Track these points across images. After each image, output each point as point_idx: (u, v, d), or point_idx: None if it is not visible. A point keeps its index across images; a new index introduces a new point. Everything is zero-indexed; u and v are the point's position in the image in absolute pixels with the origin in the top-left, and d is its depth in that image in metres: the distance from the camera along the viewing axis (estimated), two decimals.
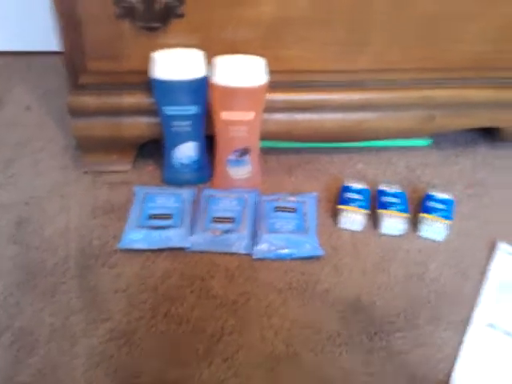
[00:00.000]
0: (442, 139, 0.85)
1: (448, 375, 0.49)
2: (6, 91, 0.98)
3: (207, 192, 0.70)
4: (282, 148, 0.82)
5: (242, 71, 0.63)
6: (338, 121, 0.75)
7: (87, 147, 0.75)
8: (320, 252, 0.61)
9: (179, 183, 0.73)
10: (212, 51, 0.64)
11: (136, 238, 0.61)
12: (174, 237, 0.62)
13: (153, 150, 0.78)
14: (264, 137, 0.71)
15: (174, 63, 0.63)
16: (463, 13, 0.66)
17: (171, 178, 0.73)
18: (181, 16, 0.63)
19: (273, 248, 0.61)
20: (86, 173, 0.75)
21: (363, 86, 0.73)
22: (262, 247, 0.61)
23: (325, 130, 0.75)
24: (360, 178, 0.75)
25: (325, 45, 0.68)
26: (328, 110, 0.73)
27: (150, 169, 0.77)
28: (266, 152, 0.78)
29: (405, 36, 0.68)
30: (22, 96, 0.96)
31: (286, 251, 0.61)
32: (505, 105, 0.76)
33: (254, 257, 0.61)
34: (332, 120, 0.74)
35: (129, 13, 0.62)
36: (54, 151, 0.80)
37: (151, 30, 0.64)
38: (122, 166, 0.76)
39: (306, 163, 0.79)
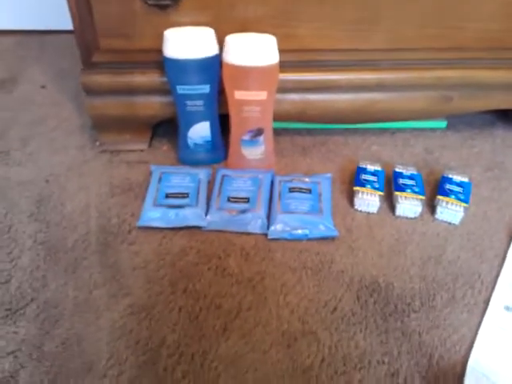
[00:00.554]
0: (459, 121, 0.84)
1: (465, 357, 0.49)
2: (21, 70, 0.98)
3: (222, 172, 0.70)
4: (295, 129, 0.81)
5: (253, 50, 0.62)
6: (351, 101, 0.74)
7: (102, 126, 0.75)
8: (334, 233, 0.61)
9: (194, 163, 0.73)
10: (223, 29, 0.64)
11: (154, 216, 0.62)
12: (191, 216, 0.62)
13: (168, 129, 0.78)
14: (277, 118, 0.71)
15: (186, 41, 0.63)
16: None
17: (186, 158, 0.74)
18: None
19: (287, 228, 0.61)
20: (102, 151, 0.75)
21: (376, 65, 0.72)
22: (277, 227, 0.62)
23: (338, 111, 0.75)
24: (375, 159, 0.74)
25: (336, 23, 0.67)
26: (340, 90, 0.73)
27: (165, 148, 0.77)
28: (279, 133, 0.78)
29: (417, 14, 0.67)
30: (37, 75, 0.97)
31: (300, 232, 0.61)
32: None
33: (269, 237, 0.61)
34: (345, 100, 0.74)
35: None
36: (69, 130, 0.81)
37: (162, 8, 0.64)
38: (137, 145, 0.77)
39: (320, 144, 0.79)
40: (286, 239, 0.61)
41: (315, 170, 0.73)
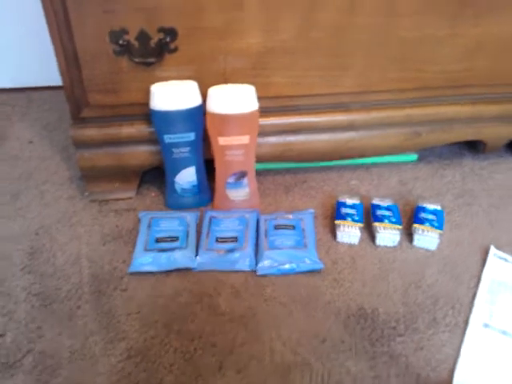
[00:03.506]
0: (429, 153, 0.89)
1: (450, 375, 0.51)
2: (8, 127, 1.01)
3: (210, 213, 0.73)
4: (276, 169, 0.86)
5: (234, 99, 0.68)
6: (327, 141, 0.79)
7: (92, 177, 0.78)
8: (320, 265, 0.64)
9: (182, 207, 0.76)
10: (205, 81, 0.69)
11: (145, 261, 0.64)
12: (181, 258, 0.65)
13: (155, 176, 0.82)
14: (259, 159, 0.76)
15: (171, 94, 0.68)
16: (433, 36, 0.72)
17: (174, 203, 0.77)
18: (174, 51, 0.68)
19: (275, 264, 0.64)
20: (92, 201, 0.78)
21: (347, 107, 0.78)
22: (265, 263, 0.64)
23: (315, 150, 0.80)
24: (353, 194, 0.78)
25: (308, 71, 0.73)
26: (316, 131, 0.78)
27: (153, 195, 0.80)
28: (261, 174, 0.82)
29: (383, 59, 0.73)
30: (24, 131, 1.00)
31: (287, 266, 0.64)
32: (483, 119, 0.81)
33: (257, 273, 0.63)
34: (321, 140, 0.79)
35: (126, 50, 0.67)
36: (58, 182, 0.83)
37: (147, 64, 0.68)
38: (126, 193, 0.80)
39: (301, 182, 0.83)
40: (274, 274, 0.63)
41: (298, 207, 0.77)
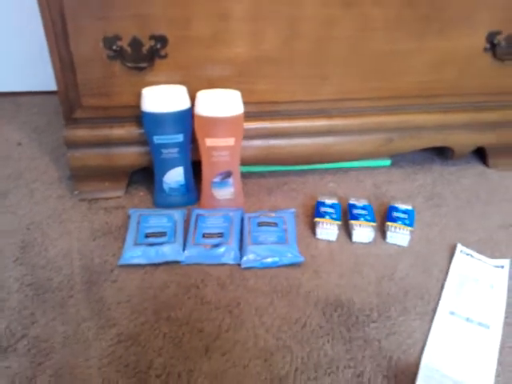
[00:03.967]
0: (402, 159, 0.95)
1: (419, 356, 0.56)
2: None
3: (196, 211, 0.77)
4: (260, 172, 0.90)
5: (221, 103, 0.72)
6: (307, 145, 0.84)
7: (82, 176, 0.81)
8: (301, 259, 0.69)
9: (169, 206, 0.79)
10: (194, 86, 0.74)
11: (134, 254, 0.67)
12: (169, 252, 0.68)
13: (143, 176, 0.85)
14: (244, 162, 0.80)
15: (162, 97, 0.72)
16: (403, 50, 0.78)
17: (162, 202, 0.80)
18: (164, 57, 0.72)
19: (258, 258, 0.68)
20: (81, 200, 0.81)
21: (327, 113, 0.83)
22: (249, 257, 0.68)
23: (297, 154, 0.85)
24: (332, 195, 0.83)
25: (290, 79, 0.78)
26: (298, 135, 0.83)
27: (141, 194, 0.84)
28: (246, 176, 0.87)
29: (359, 70, 0.79)
30: (13, 133, 1.02)
31: (270, 260, 0.68)
32: (452, 127, 0.88)
33: (242, 266, 0.67)
34: (302, 145, 0.84)
35: (119, 55, 0.71)
36: (48, 182, 0.86)
37: (139, 69, 0.72)
38: (115, 192, 0.83)
39: (283, 184, 0.88)
40: (257, 267, 0.67)
41: (280, 207, 0.81)
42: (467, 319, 0.61)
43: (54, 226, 0.74)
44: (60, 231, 0.73)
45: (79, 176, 0.81)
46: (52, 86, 1.11)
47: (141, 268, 0.66)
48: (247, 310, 0.61)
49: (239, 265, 0.68)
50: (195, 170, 0.79)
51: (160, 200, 0.80)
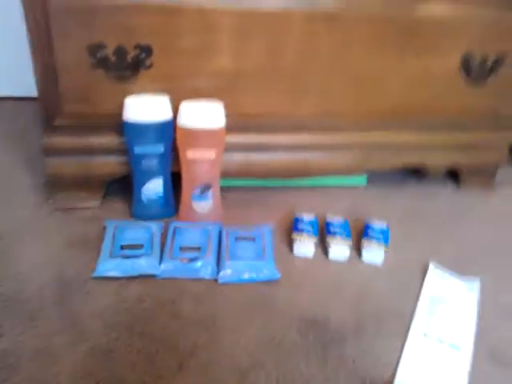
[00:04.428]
0: (377, 178, 0.97)
1: (393, 377, 0.56)
2: None
3: (174, 224, 0.76)
4: (239, 186, 0.90)
5: (204, 116, 0.72)
6: (287, 160, 0.85)
7: (58, 185, 0.79)
8: (277, 275, 0.69)
9: (147, 217, 0.78)
10: (177, 97, 0.73)
11: (109, 266, 0.66)
12: (145, 265, 0.67)
13: (119, 187, 0.84)
14: (223, 175, 0.80)
15: (144, 107, 0.71)
16: (383, 67, 0.79)
17: (139, 213, 0.79)
18: (149, 67, 0.72)
19: (235, 273, 0.68)
20: (56, 209, 0.79)
21: (307, 128, 0.83)
22: (226, 272, 0.68)
23: (277, 168, 0.85)
24: (309, 210, 0.84)
25: (273, 92, 0.79)
26: (278, 149, 0.84)
27: (117, 205, 0.82)
28: (225, 190, 0.86)
29: (339, 86, 0.80)
30: None
31: (246, 276, 0.68)
32: (427, 146, 0.90)
33: (219, 281, 0.67)
34: (282, 159, 0.85)
35: (103, 63, 0.70)
36: (22, 189, 0.84)
37: (123, 78, 0.72)
38: (91, 202, 0.81)
39: (262, 199, 0.88)
40: (234, 283, 0.67)
41: (258, 222, 0.81)
42: (439, 340, 0.62)
43: (27, 235, 0.72)
44: (33, 241, 0.71)
45: (55, 184, 0.79)
46: (27, 92, 1.09)
47: (115, 280, 0.65)
48: (223, 327, 0.60)
49: (216, 280, 0.67)
50: (173, 181, 0.79)
51: (138, 211, 0.79)
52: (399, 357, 0.59)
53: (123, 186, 0.82)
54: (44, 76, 0.70)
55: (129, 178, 0.78)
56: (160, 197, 0.79)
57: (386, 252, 0.75)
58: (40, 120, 0.74)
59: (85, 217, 0.78)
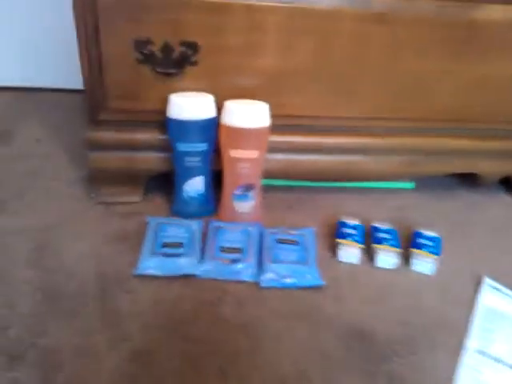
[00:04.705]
0: (426, 183, 0.92)
1: None
2: (16, 124, 1.02)
3: (214, 223, 0.75)
4: (281, 186, 0.88)
5: (248, 114, 0.70)
6: (332, 162, 0.82)
7: (100, 179, 0.79)
8: (321, 282, 0.66)
9: (187, 215, 0.77)
10: (221, 95, 0.72)
11: (151, 264, 0.65)
12: (186, 264, 0.66)
13: (159, 183, 0.83)
14: (265, 175, 0.78)
15: (189, 105, 0.70)
16: (437, 70, 0.75)
17: (179, 210, 0.78)
18: (195, 64, 0.70)
19: (277, 277, 0.66)
20: (98, 203, 0.79)
21: (354, 131, 0.80)
22: (268, 276, 0.66)
23: (319, 171, 0.82)
24: (353, 214, 0.81)
25: (320, 94, 0.76)
26: (322, 152, 0.81)
27: (157, 201, 0.82)
28: (266, 190, 0.84)
29: (389, 88, 0.76)
30: (32, 129, 1.01)
31: (289, 280, 0.66)
32: (481, 153, 0.85)
33: (260, 285, 0.65)
34: (326, 161, 0.81)
35: (149, 59, 0.69)
36: (65, 182, 0.84)
37: (168, 75, 0.71)
38: (132, 197, 0.81)
39: (304, 201, 0.85)
40: (276, 287, 0.65)
41: (299, 224, 0.78)
42: (496, 359, 0.58)
43: (69, 229, 0.73)
44: (75, 235, 0.71)
45: (97, 178, 0.79)
46: (72, 84, 1.11)
47: (156, 279, 0.64)
48: (265, 333, 0.58)
49: (257, 283, 0.65)
50: (214, 180, 0.77)
51: (178, 208, 0.78)
52: (452, 375, 0.55)
53: (163, 183, 0.81)
54: (90, 71, 0.70)
55: (170, 174, 0.77)
56: (201, 195, 0.77)
57: (436, 262, 0.71)
58: (84, 114, 0.73)
59: (126, 212, 0.78)
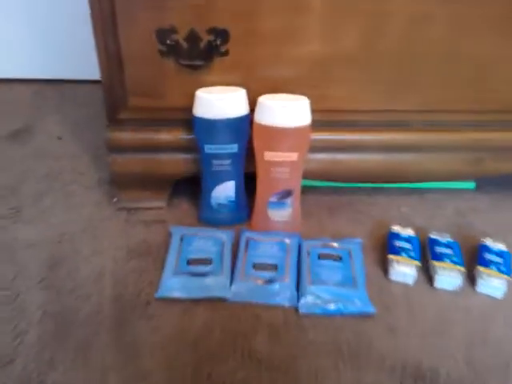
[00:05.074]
0: (487, 183, 0.80)
1: None
2: (38, 120, 0.97)
3: (246, 234, 0.66)
4: (320, 187, 0.78)
5: (286, 111, 0.60)
6: (381, 161, 0.71)
7: (122, 183, 0.72)
8: (371, 309, 0.56)
9: (216, 223, 0.69)
10: (255, 89, 0.63)
11: (174, 285, 0.58)
12: (214, 286, 0.58)
13: (187, 187, 0.75)
14: (304, 176, 0.68)
15: (217, 101, 0.61)
16: (507, 56, 0.64)
17: (208, 218, 0.70)
18: (224, 54, 0.62)
19: (319, 302, 0.57)
20: (120, 209, 0.72)
21: (408, 126, 0.70)
22: (308, 300, 0.57)
23: (366, 171, 0.72)
24: (406, 222, 0.71)
25: (371, 84, 0.66)
26: (371, 150, 0.71)
27: (184, 206, 0.74)
28: (304, 192, 0.74)
29: (454, 77, 0.66)
30: (54, 126, 0.95)
31: (332, 306, 0.56)
32: None
33: (299, 311, 0.56)
34: (374, 160, 0.71)
35: (173, 51, 0.61)
36: (86, 185, 0.78)
37: (194, 67, 0.62)
38: (156, 202, 0.73)
39: (347, 205, 0.76)
40: (317, 314, 0.56)
41: (343, 233, 0.69)
42: None
43: (87, 239, 0.66)
44: (94, 247, 0.65)
45: (120, 182, 0.72)
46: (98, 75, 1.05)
47: (180, 303, 0.56)
48: (305, 372, 0.50)
49: (296, 308, 0.56)
50: (246, 183, 0.68)
51: (206, 216, 0.70)
52: None
53: (191, 187, 0.74)
54: (108, 65, 0.62)
55: (197, 177, 0.69)
56: (231, 201, 0.69)
57: (507, 284, 0.60)
58: (104, 112, 0.66)
59: (149, 219, 0.71)
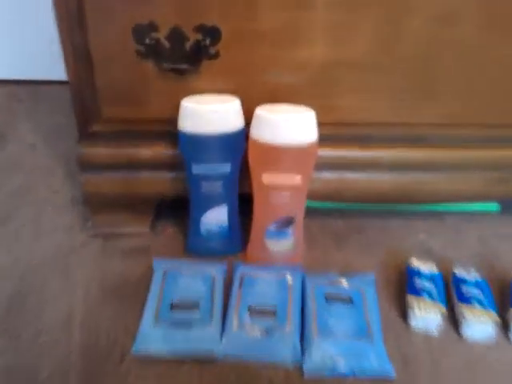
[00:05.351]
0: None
1: None
2: (11, 126, 0.87)
3: (241, 269, 0.57)
4: (326, 209, 0.69)
5: (289, 126, 0.51)
6: (395, 181, 0.63)
7: (98, 205, 0.63)
8: (391, 373, 0.47)
9: (206, 254, 0.60)
10: (250, 98, 0.54)
11: (153, 338, 0.48)
12: (202, 338, 0.48)
13: (172, 210, 0.66)
14: (308, 197, 0.59)
15: (207, 113, 0.52)
16: None
17: (196, 248, 0.61)
18: (215, 56, 0.53)
19: (327, 359, 0.47)
20: (94, 236, 0.62)
21: (425, 142, 0.62)
22: (314, 358, 0.47)
23: (379, 191, 0.64)
24: (424, 251, 0.62)
25: (383, 94, 0.58)
26: (384, 168, 0.62)
27: (169, 231, 0.65)
28: (307, 215, 0.65)
29: (479, 87, 0.58)
30: (28, 132, 0.86)
31: (344, 366, 0.47)
32: None
33: (304, 373, 0.47)
34: (388, 180, 0.63)
35: (153, 52, 0.52)
36: (58, 204, 0.69)
37: (179, 72, 0.54)
38: (137, 227, 0.64)
39: (357, 231, 0.67)
40: (326, 377, 0.46)
41: (353, 266, 0.60)
42: None
43: (56, 273, 0.57)
44: (63, 284, 0.56)
45: (94, 204, 0.63)
46: None
47: (160, 362, 0.47)
48: None
49: (299, 366, 0.47)
50: (240, 207, 0.59)
51: (194, 245, 0.61)
52: None
53: (177, 209, 0.64)
54: (76, 69, 0.53)
55: (184, 199, 0.59)
56: (223, 229, 0.59)
57: None
58: (74, 125, 0.57)
59: (129, 248, 0.62)
